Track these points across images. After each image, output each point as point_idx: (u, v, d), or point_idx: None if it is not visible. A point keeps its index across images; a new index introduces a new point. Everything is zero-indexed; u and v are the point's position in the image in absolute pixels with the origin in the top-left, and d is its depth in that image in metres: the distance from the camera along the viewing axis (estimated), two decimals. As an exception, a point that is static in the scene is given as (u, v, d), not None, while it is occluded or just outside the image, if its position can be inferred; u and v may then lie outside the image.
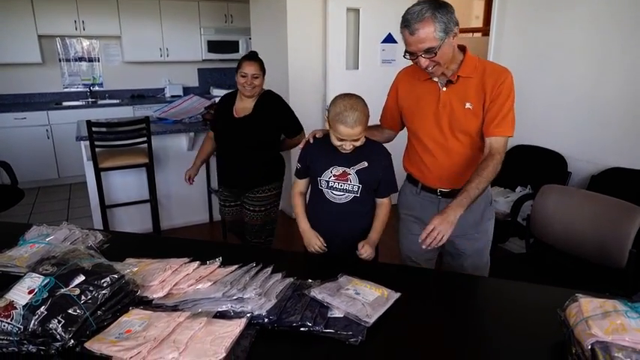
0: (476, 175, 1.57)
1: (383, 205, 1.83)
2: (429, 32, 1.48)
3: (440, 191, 1.80)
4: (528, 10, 3.18)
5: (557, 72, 3.02)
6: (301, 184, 1.89)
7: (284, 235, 3.46)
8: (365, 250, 1.72)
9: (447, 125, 1.69)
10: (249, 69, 2.38)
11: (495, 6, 3.40)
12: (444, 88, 1.67)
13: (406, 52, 1.56)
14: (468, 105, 1.64)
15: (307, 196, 1.91)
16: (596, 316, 1.04)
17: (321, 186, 1.77)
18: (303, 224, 1.84)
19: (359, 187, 1.74)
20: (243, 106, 2.51)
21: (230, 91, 2.65)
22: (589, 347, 0.99)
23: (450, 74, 1.65)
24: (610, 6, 2.69)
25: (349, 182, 1.73)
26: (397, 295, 1.34)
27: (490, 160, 1.59)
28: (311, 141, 1.81)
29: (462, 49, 1.65)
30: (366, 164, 1.72)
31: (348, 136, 1.62)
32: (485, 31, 5.75)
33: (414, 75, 1.76)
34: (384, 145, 1.86)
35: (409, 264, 1.93)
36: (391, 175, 1.80)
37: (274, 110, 2.52)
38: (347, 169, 1.73)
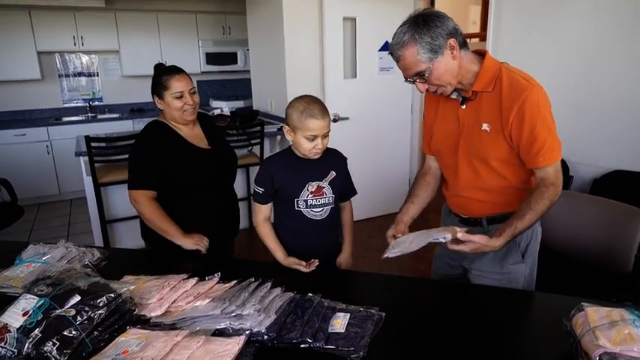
0: (527, 207, 1.38)
1: (347, 208, 1.83)
2: (412, 56, 1.35)
3: (459, 217, 1.65)
4: (524, 13, 3.17)
5: (555, 75, 3.00)
6: (266, 210, 1.72)
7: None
8: (346, 264, 1.79)
9: (463, 148, 1.51)
10: (183, 84, 1.81)
11: (491, 11, 3.40)
12: (463, 106, 1.48)
13: (404, 77, 1.45)
14: (484, 126, 1.43)
15: (275, 220, 1.77)
16: (603, 326, 1.02)
17: (298, 207, 1.66)
18: (280, 254, 1.67)
19: (333, 197, 1.70)
20: (193, 134, 1.93)
21: (140, 129, 1.95)
22: (597, 359, 0.96)
23: (467, 89, 1.45)
24: (607, 8, 2.68)
25: (325, 195, 1.68)
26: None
27: (544, 191, 1.37)
28: None
29: (482, 55, 1.46)
30: (334, 174, 1.68)
31: (320, 129, 1.54)
32: (482, 36, 5.75)
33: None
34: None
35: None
36: (349, 177, 1.78)
37: (219, 130, 2.11)
38: (320, 183, 1.66)
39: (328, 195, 1.68)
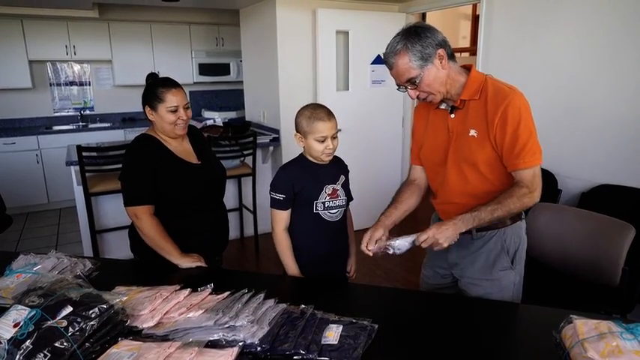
0: (495, 200, 1.43)
1: (349, 214, 1.91)
2: (404, 63, 1.45)
3: None
4: (513, 28, 3.24)
5: (544, 89, 3.06)
6: (286, 218, 1.77)
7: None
8: (354, 269, 1.92)
9: (452, 155, 1.57)
10: (178, 98, 1.80)
11: (482, 26, 3.47)
12: (452, 115, 1.57)
13: (397, 84, 1.54)
14: (472, 132, 1.50)
15: (292, 226, 1.80)
16: (592, 338, 1.03)
17: (317, 209, 1.75)
18: (294, 268, 1.76)
19: (345, 199, 1.81)
20: (182, 149, 1.90)
21: (127, 141, 1.87)
22: (586, 370, 0.98)
23: (455, 99, 1.54)
24: (595, 25, 2.75)
25: (339, 197, 1.79)
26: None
27: (516, 190, 1.43)
28: None
29: (468, 69, 1.55)
30: (344, 178, 1.81)
31: (329, 130, 1.66)
32: (472, 50, 5.86)
33: (428, 103, 1.63)
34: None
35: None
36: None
37: (207, 144, 2.08)
38: (335, 186, 1.77)
39: (342, 197, 1.79)
